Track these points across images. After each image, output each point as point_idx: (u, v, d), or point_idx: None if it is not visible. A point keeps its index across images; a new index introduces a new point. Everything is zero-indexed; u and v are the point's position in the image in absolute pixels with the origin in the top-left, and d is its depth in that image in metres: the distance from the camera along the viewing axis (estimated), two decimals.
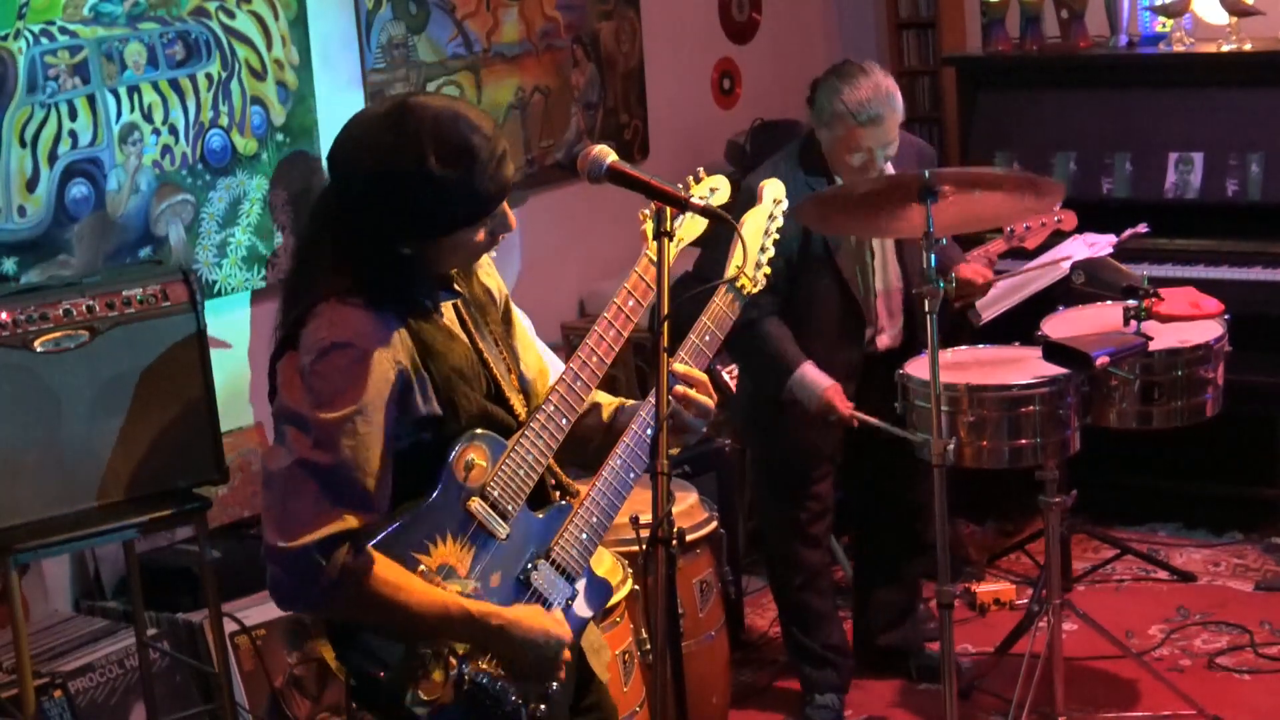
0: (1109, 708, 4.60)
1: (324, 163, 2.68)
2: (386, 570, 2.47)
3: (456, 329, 2.65)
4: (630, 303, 2.73)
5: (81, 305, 4.03)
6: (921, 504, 4.57)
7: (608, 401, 2.83)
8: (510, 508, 2.60)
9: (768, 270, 2.92)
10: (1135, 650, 4.80)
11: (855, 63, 4.42)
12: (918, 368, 4.33)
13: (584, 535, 2.66)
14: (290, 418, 2.48)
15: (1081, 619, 4.61)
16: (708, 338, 2.79)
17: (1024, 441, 4.25)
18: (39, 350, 3.97)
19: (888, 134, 4.33)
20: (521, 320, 2.88)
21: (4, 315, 3.93)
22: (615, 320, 2.72)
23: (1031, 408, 4.23)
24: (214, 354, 4.30)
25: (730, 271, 2.84)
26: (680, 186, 2.78)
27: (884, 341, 4.58)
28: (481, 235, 2.59)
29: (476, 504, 2.57)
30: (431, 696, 2.50)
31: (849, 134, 4.33)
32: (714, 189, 2.89)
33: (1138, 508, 5.87)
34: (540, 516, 2.66)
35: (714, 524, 4.33)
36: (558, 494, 2.72)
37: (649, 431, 2.69)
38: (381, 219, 2.53)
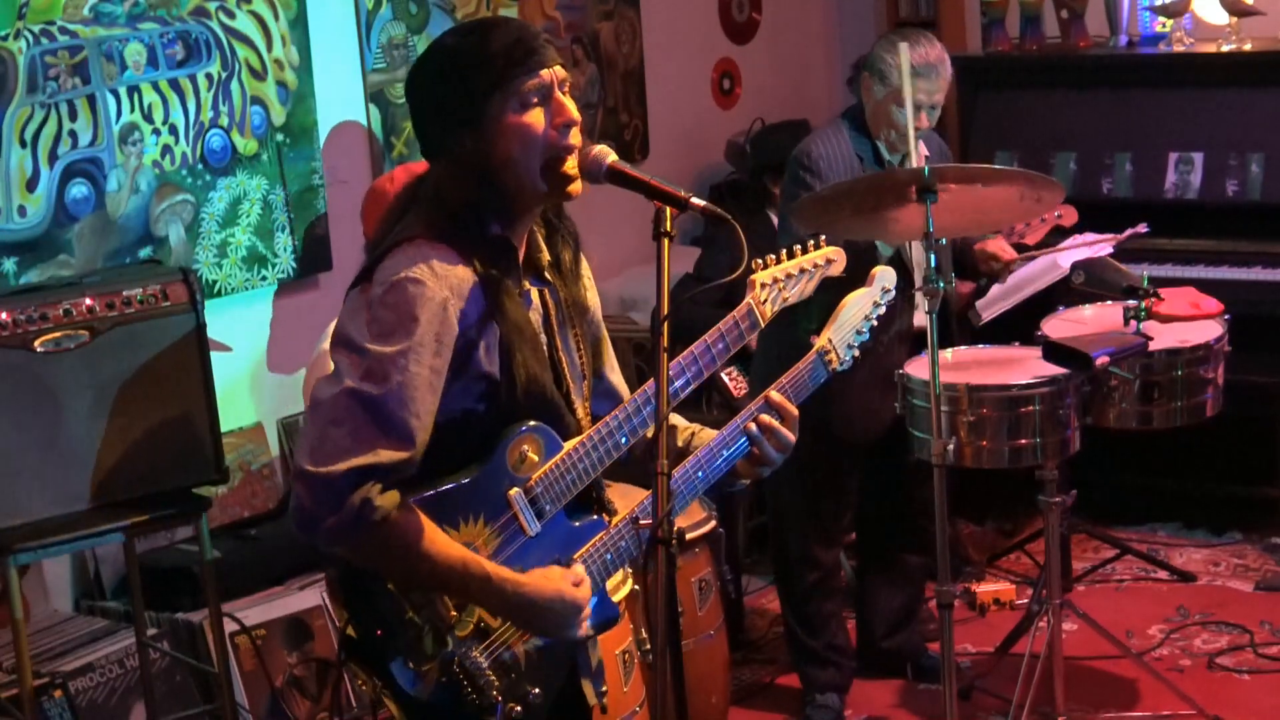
0: (1109, 708, 4.60)
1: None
2: (411, 515, 2.45)
3: (536, 318, 2.63)
4: (720, 345, 2.71)
5: (81, 305, 4.03)
6: (926, 505, 4.57)
7: (683, 426, 2.81)
8: (548, 508, 2.58)
9: (857, 354, 2.91)
10: (1135, 650, 4.80)
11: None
12: (918, 368, 4.33)
13: (609, 555, 2.65)
14: (347, 344, 2.47)
15: (1081, 619, 4.61)
16: (790, 394, 2.78)
17: (1024, 441, 4.25)
18: (39, 350, 3.97)
19: (937, 93, 4.44)
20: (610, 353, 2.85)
21: (4, 315, 3.93)
22: (701, 357, 2.69)
23: (1031, 408, 4.23)
24: (214, 354, 4.30)
25: (821, 342, 2.86)
26: (786, 253, 2.79)
27: (918, 318, 4.56)
28: (526, 118, 2.54)
29: (516, 494, 2.56)
30: (418, 667, 2.49)
31: (905, 84, 4.38)
32: (830, 260, 2.87)
33: (1138, 508, 5.87)
34: (575, 525, 2.64)
35: (713, 523, 4.33)
36: (597, 509, 2.69)
37: (700, 475, 2.69)
38: (426, 117, 2.57)
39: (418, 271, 2.46)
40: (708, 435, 2.77)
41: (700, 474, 2.70)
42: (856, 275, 2.99)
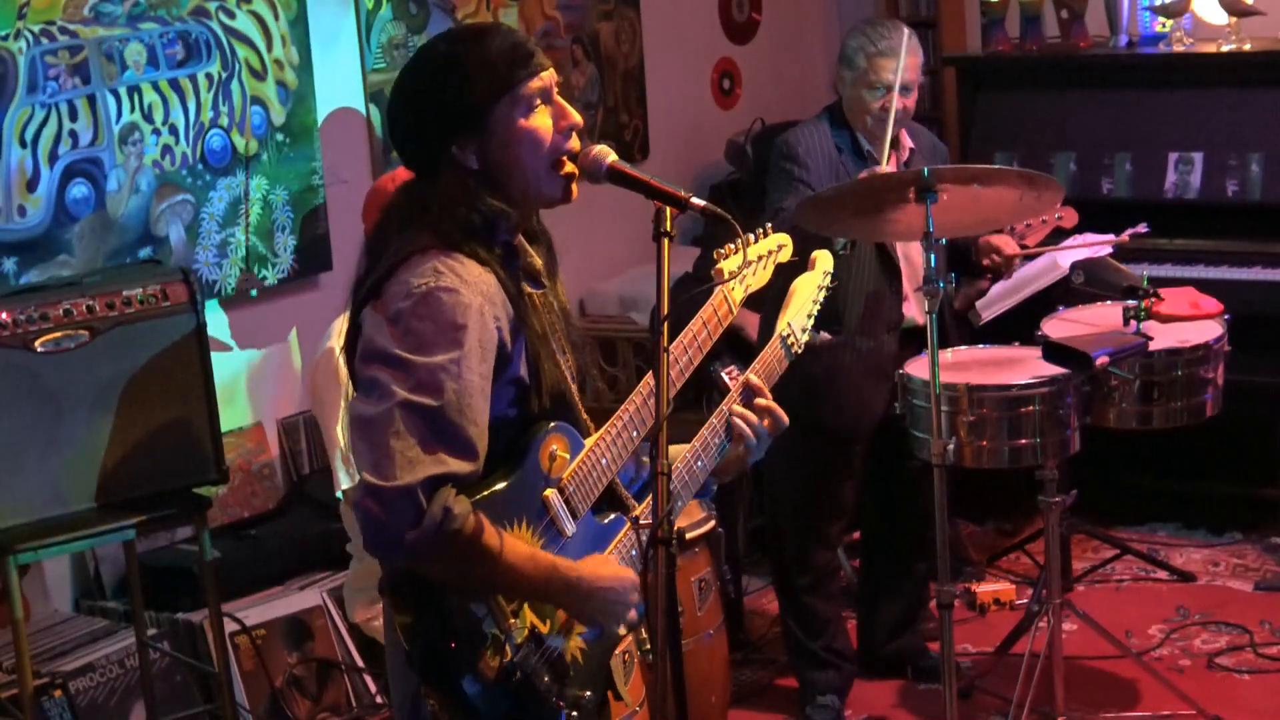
0: (1109, 708, 4.60)
1: None
2: (481, 518, 2.43)
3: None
4: (704, 334, 2.73)
5: (81, 305, 4.03)
6: (928, 514, 4.57)
7: None
8: (580, 508, 2.59)
9: (809, 337, 2.98)
10: (1135, 650, 4.80)
11: None
12: (918, 368, 4.33)
13: (634, 551, 2.66)
14: (386, 360, 2.42)
15: (1081, 619, 4.61)
16: (764, 379, 2.83)
17: (1024, 441, 4.25)
18: (39, 350, 3.97)
19: (905, 72, 4.44)
20: None
21: (4, 315, 3.93)
22: (689, 347, 2.71)
23: (1031, 408, 4.23)
24: (214, 354, 4.30)
25: (780, 327, 2.92)
26: (742, 242, 2.81)
27: (909, 309, 4.57)
28: (532, 121, 2.53)
29: (553, 495, 2.55)
30: (484, 679, 2.47)
31: (869, 65, 4.43)
32: (781, 245, 2.94)
33: (1138, 508, 5.87)
34: (603, 523, 2.65)
35: (712, 523, 4.33)
36: (617, 505, 2.70)
37: (699, 463, 2.72)
38: (425, 127, 2.53)
39: (448, 280, 2.44)
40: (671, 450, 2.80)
41: (699, 463, 2.72)
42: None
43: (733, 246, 2.81)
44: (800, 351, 2.95)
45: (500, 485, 2.50)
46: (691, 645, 4.12)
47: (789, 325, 2.94)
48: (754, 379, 2.79)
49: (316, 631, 4.64)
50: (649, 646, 3.34)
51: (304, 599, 4.67)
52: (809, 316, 2.98)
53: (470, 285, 2.45)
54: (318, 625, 4.64)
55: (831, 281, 3.06)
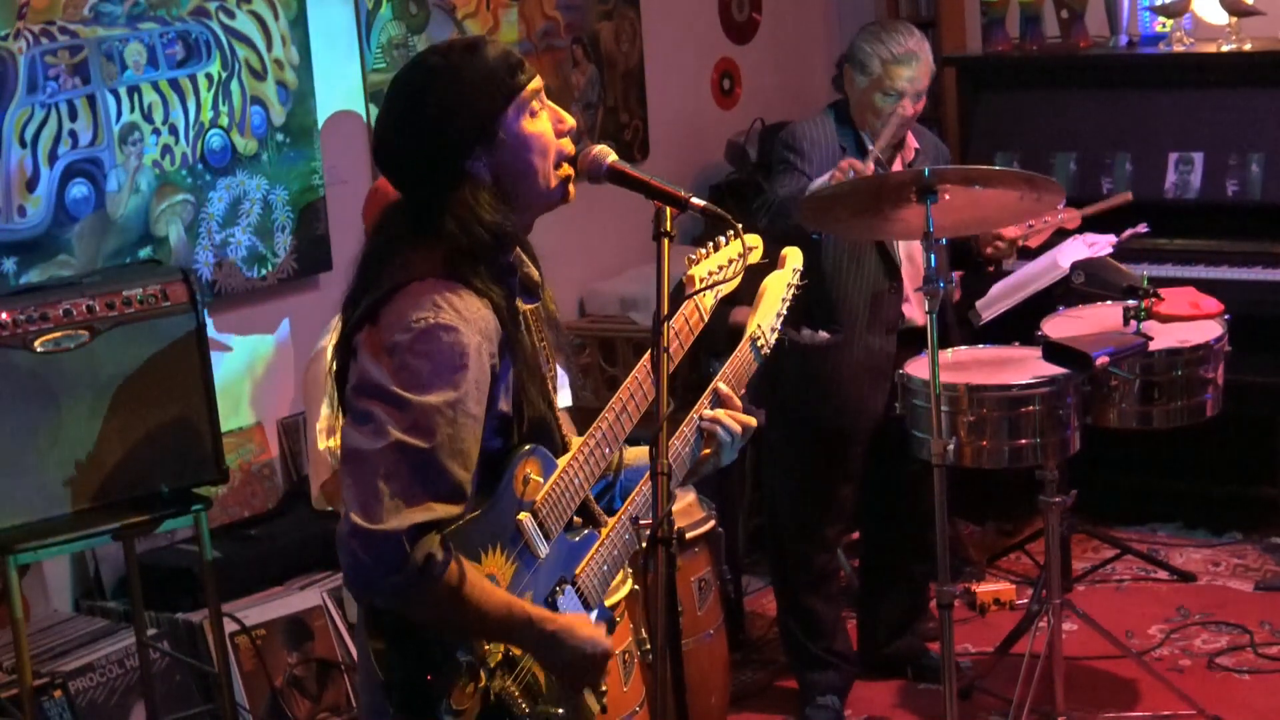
0: (1109, 708, 4.60)
1: None
2: (459, 564, 2.42)
3: (529, 340, 2.61)
4: (674, 344, 2.71)
5: (81, 305, 4.03)
6: (928, 516, 4.57)
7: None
8: (553, 528, 2.58)
9: (779, 335, 2.95)
10: (1135, 650, 4.80)
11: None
12: (918, 368, 4.33)
13: (605, 566, 2.66)
14: (382, 396, 2.38)
15: (1081, 619, 4.61)
16: (734, 383, 2.82)
17: (1024, 441, 4.25)
18: (39, 350, 3.97)
19: (919, 80, 4.45)
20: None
21: (4, 315, 3.93)
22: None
23: (1031, 408, 4.23)
24: (214, 354, 4.30)
25: (751, 329, 2.89)
26: (712, 246, 2.81)
27: (908, 310, 4.57)
28: (537, 126, 2.52)
29: (526, 519, 2.54)
30: (461, 707, 2.46)
31: (884, 72, 4.42)
32: (751, 247, 2.89)
33: (1138, 508, 5.87)
34: (574, 541, 2.64)
35: (712, 523, 4.33)
36: (589, 522, 2.69)
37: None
38: (438, 145, 2.48)
39: (447, 317, 2.41)
40: (631, 453, 2.79)
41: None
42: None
43: (703, 251, 2.81)
44: (769, 353, 2.92)
45: (474, 514, 2.48)
46: (691, 645, 4.12)
47: (758, 327, 2.91)
48: (722, 387, 2.77)
49: (316, 631, 4.64)
50: (649, 646, 3.35)
51: (304, 599, 4.67)
52: (778, 316, 2.95)
53: (469, 323, 2.42)
54: (318, 625, 4.64)
55: (802, 279, 3.03)
